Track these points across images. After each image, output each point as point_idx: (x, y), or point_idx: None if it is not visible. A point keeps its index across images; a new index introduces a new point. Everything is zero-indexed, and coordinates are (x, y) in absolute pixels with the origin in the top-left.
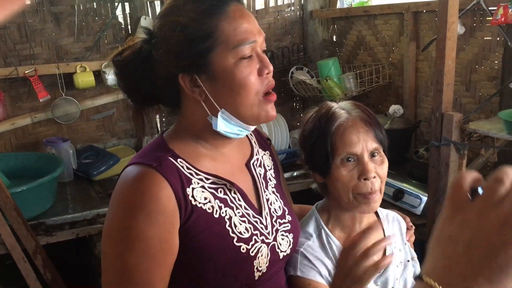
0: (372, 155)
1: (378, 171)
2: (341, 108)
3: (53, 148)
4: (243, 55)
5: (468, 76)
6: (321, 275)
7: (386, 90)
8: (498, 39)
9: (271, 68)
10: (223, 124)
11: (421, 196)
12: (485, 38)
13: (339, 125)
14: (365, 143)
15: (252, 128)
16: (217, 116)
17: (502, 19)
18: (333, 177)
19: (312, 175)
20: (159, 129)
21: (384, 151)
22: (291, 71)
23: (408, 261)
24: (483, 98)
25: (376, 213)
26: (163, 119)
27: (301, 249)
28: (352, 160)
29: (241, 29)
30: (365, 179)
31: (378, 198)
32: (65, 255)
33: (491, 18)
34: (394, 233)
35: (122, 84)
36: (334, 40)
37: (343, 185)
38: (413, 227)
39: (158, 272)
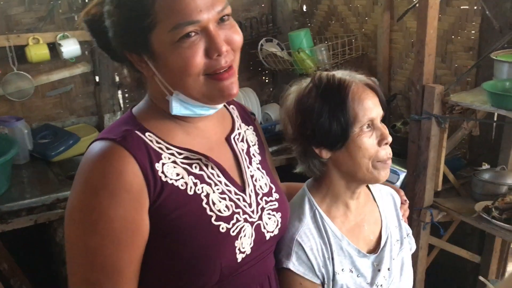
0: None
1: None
2: (345, 75)
3: (5, 127)
4: (182, 35)
5: (444, 47)
6: (313, 269)
7: (359, 62)
8: (475, 8)
9: (224, 49)
10: (180, 106)
11: (399, 172)
12: (461, 7)
13: (354, 91)
14: (378, 108)
15: (219, 106)
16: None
17: None
18: (353, 147)
19: (316, 152)
20: (122, 106)
21: None
22: (260, 43)
23: (404, 238)
24: (459, 70)
25: (369, 189)
26: (126, 95)
27: (296, 236)
28: (370, 127)
29: (180, 6)
30: (385, 144)
31: (390, 164)
32: (23, 244)
33: None
34: (389, 209)
35: (95, 41)
36: (304, 10)
37: (366, 153)
38: (407, 202)
39: (125, 256)
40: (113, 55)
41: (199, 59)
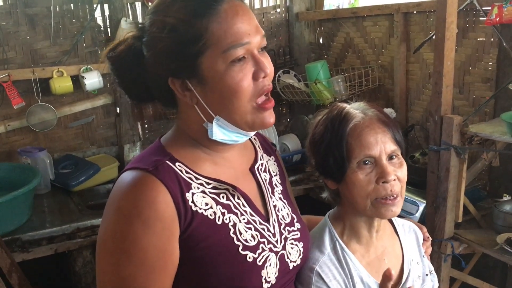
0: (390, 157)
1: (398, 174)
2: (355, 108)
3: (28, 158)
4: (234, 58)
5: (461, 78)
6: None
7: (376, 93)
8: (492, 39)
9: (268, 71)
10: (219, 132)
11: (418, 203)
12: (478, 39)
13: (355, 126)
14: (383, 145)
15: (252, 134)
16: (212, 123)
17: (497, 19)
18: (349, 182)
19: (324, 182)
20: (141, 136)
21: (401, 154)
22: (277, 74)
23: (427, 275)
24: (477, 101)
25: (392, 223)
26: (146, 126)
27: (316, 267)
28: (369, 163)
29: (233, 30)
30: (384, 182)
31: (398, 201)
32: (43, 273)
33: (484, 19)
34: (411, 245)
35: (117, 80)
36: (321, 42)
37: (360, 190)
38: (430, 238)
39: (157, 285)
40: (136, 95)
41: (248, 81)
